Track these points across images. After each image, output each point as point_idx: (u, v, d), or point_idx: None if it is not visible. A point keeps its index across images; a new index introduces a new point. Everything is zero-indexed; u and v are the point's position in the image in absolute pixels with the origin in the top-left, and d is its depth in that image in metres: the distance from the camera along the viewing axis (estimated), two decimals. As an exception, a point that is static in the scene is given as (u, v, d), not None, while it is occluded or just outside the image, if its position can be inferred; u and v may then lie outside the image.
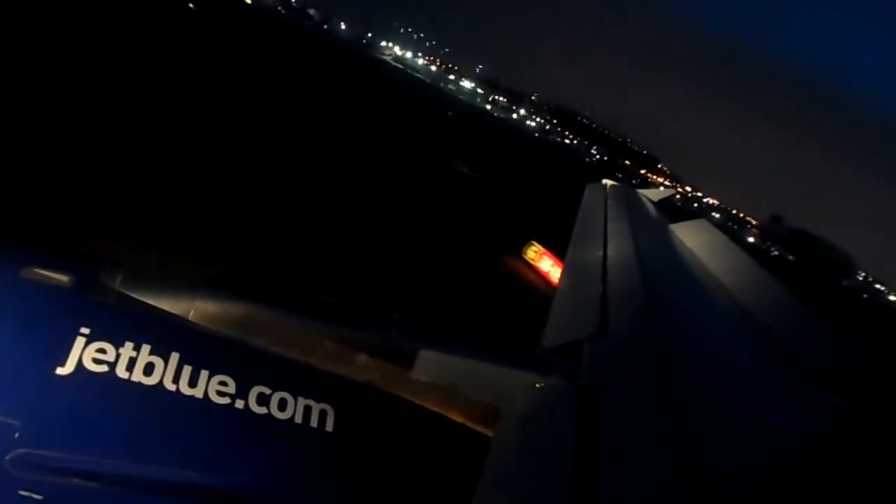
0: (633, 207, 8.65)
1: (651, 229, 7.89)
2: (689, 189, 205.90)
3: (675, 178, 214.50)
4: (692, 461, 2.83)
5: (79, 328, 2.91)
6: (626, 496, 2.31)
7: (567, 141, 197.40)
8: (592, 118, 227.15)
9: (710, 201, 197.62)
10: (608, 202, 8.16)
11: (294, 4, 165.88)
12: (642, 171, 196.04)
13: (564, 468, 2.30)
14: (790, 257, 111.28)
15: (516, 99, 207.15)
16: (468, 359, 3.32)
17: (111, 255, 3.39)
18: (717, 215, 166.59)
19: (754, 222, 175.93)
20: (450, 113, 70.98)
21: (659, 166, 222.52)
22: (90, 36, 27.16)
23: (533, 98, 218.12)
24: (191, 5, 62.78)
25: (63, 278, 3.07)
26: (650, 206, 9.41)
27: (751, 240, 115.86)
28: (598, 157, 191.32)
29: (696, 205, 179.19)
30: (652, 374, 3.40)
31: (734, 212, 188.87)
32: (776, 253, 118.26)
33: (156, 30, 38.29)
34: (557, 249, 19.56)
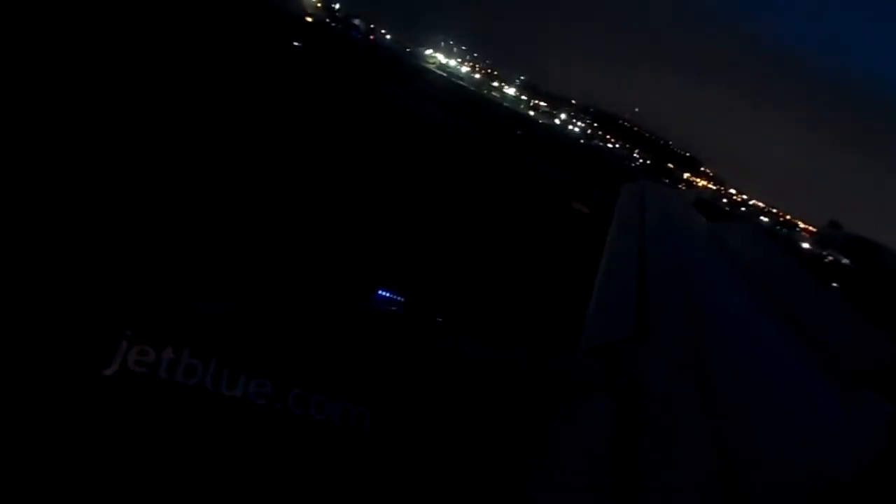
0: (671, 207, 8.43)
1: (689, 229, 7.72)
2: (733, 191, 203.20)
3: (719, 181, 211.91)
4: (732, 467, 2.77)
5: (123, 330, 2.96)
6: (663, 502, 2.23)
7: (609, 145, 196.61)
8: (633, 121, 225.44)
9: (758, 204, 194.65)
10: (644, 202, 7.98)
11: (338, 14, 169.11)
12: (686, 175, 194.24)
13: (603, 473, 2.25)
14: (844, 261, 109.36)
15: (556, 103, 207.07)
16: (506, 363, 3.31)
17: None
18: (766, 219, 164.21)
19: (803, 226, 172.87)
20: (518, 132, 71.51)
21: (702, 169, 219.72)
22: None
23: (573, 102, 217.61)
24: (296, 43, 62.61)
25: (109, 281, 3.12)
26: (689, 206, 9.34)
27: (805, 246, 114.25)
28: (640, 160, 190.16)
29: (742, 208, 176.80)
30: (691, 378, 3.30)
31: (784, 216, 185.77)
32: (831, 258, 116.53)
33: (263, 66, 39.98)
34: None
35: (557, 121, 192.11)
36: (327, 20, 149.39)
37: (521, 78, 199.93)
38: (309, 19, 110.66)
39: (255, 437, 2.92)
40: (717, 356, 3.68)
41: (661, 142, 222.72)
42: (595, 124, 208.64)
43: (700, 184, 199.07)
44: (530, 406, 3.17)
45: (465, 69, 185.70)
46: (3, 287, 3.01)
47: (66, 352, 2.92)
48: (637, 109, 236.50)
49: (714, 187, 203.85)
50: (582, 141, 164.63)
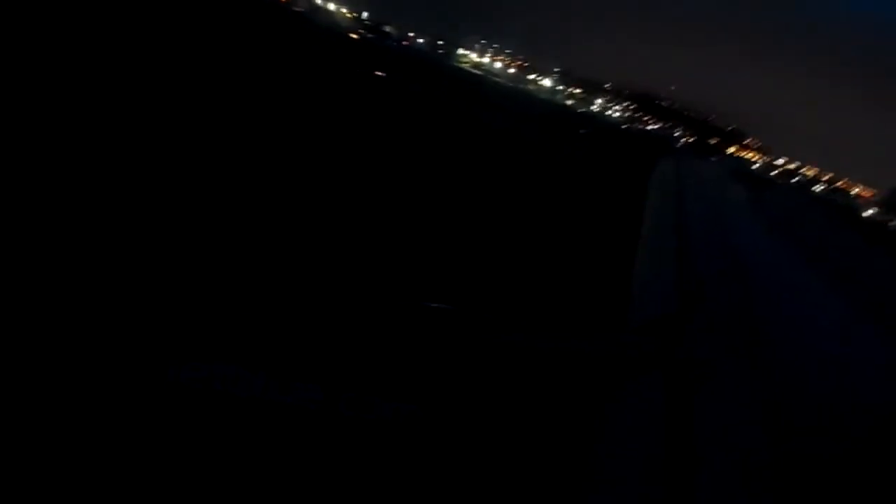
0: (708, 180, 8.82)
1: (728, 200, 7.85)
2: (781, 161, 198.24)
3: (766, 152, 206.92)
4: (788, 433, 2.66)
5: (176, 345, 2.91)
6: (721, 475, 2.21)
7: (651, 127, 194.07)
8: (672, 99, 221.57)
9: (808, 173, 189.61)
10: (681, 177, 8.08)
11: (368, 23, 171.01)
12: (731, 149, 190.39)
13: (661, 446, 2.27)
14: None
15: (590, 89, 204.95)
16: (558, 348, 3.22)
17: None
18: (820, 187, 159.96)
19: (859, 192, 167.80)
20: (582, 130, 71.46)
21: (747, 141, 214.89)
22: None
23: (607, 86, 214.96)
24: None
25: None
26: (726, 178, 9.89)
27: (869, 212, 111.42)
28: (685, 139, 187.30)
29: (794, 178, 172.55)
30: (742, 346, 2.85)
31: (839, 183, 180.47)
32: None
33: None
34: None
35: (594, 107, 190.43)
36: (361, 31, 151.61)
37: (557, 70, 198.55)
38: (354, 36, 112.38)
39: (308, 441, 2.83)
40: (767, 323, 2.75)
41: (703, 118, 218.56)
42: (632, 106, 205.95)
43: (747, 156, 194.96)
44: (587, 390, 2.98)
45: (498, 65, 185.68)
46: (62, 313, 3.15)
47: (125, 368, 2.96)
48: (674, 87, 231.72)
49: (761, 158, 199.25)
50: (624, 126, 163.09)
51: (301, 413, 3.30)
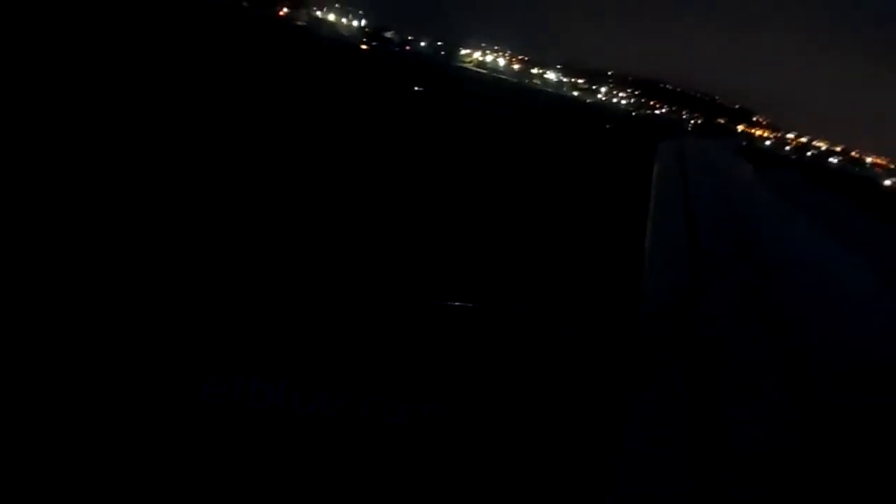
0: (712, 159, 8.21)
1: (734, 179, 7.40)
2: (791, 136, 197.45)
3: (775, 128, 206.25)
4: (813, 409, 2.64)
5: (197, 363, 2.97)
6: (749, 460, 2.11)
7: (658, 112, 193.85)
8: (675, 82, 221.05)
9: (821, 145, 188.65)
10: (684, 158, 7.77)
11: (368, 30, 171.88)
12: (740, 128, 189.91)
13: (684, 431, 2.18)
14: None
15: (593, 78, 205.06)
16: (576, 339, 3.27)
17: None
18: (835, 160, 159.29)
19: (874, 160, 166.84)
20: (608, 126, 71.56)
21: (755, 118, 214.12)
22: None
23: (609, 74, 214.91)
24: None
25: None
26: (732, 156, 8.83)
27: (888, 182, 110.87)
28: (692, 121, 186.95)
29: (809, 153, 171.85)
30: (758, 326, 3.16)
31: (853, 154, 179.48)
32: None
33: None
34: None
35: (600, 95, 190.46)
36: (364, 39, 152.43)
37: (559, 66, 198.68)
38: (364, 47, 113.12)
39: (333, 448, 2.94)
40: (782, 301, 3.46)
41: (708, 98, 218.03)
42: (636, 92, 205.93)
43: (756, 133, 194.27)
44: (605, 379, 3.14)
45: (502, 62, 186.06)
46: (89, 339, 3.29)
47: (149, 391, 3.08)
48: (677, 70, 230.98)
49: (771, 135, 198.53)
50: (634, 113, 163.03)
51: (323, 420, 3.37)
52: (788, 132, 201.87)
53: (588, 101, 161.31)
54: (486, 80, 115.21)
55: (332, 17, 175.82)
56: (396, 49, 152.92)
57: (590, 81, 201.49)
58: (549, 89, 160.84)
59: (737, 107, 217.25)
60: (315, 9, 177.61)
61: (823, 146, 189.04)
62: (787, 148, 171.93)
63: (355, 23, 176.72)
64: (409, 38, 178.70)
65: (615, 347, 3.30)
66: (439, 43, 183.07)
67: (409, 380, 3.46)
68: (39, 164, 12.12)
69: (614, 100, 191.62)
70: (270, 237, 10.95)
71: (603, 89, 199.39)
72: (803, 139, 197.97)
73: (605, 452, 2.33)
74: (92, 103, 19.44)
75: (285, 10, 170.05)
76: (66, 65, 25.50)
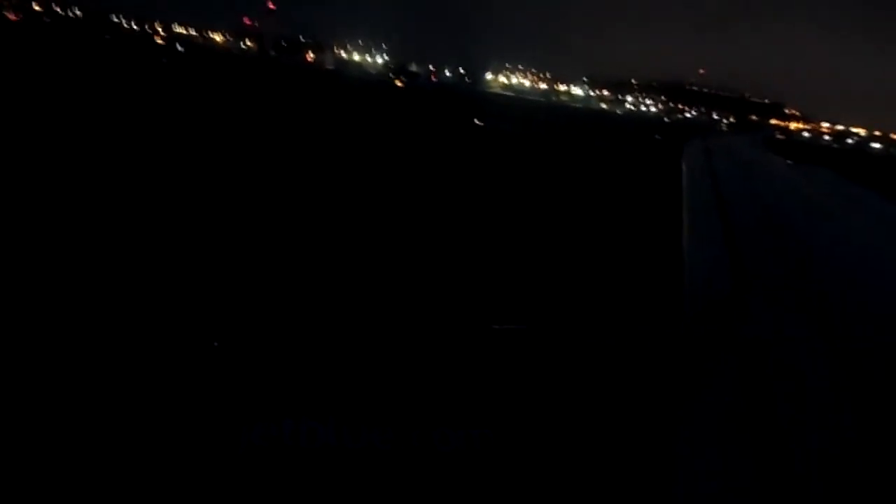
0: (741, 155, 8.20)
1: (767, 173, 7.44)
2: (827, 125, 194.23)
3: (809, 119, 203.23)
4: (866, 404, 2.53)
5: (243, 408, 2.90)
6: (809, 463, 2.12)
7: (688, 115, 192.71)
8: (702, 83, 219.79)
9: (859, 131, 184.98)
10: (712, 156, 7.78)
11: (392, 66, 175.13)
12: (773, 121, 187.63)
13: (745, 434, 2.17)
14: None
15: (618, 88, 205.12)
16: (623, 348, 3.43)
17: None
18: (878, 145, 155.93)
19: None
20: (657, 136, 71.14)
21: (787, 111, 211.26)
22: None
23: (633, 82, 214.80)
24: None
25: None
26: (761, 150, 8.94)
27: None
28: (724, 120, 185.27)
29: (849, 140, 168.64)
30: (805, 321, 3.11)
31: (893, 135, 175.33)
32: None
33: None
34: None
35: (628, 105, 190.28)
36: (391, 75, 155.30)
37: (585, 78, 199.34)
38: (400, 84, 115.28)
39: (388, 482, 2.92)
40: (827, 293, 3.46)
41: (736, 95, 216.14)
42: (663, 98, 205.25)
43: (792, 126, 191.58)
44: (655, 387, 3.14)
45: (527, 83, 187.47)
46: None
47: (196, 439, 3.12)
48: (702, 70, 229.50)
49: (806, 126, 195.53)
50: (666, 119, 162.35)
51: (376, 455, 3.33)
52: (822, 121, 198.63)
53: (619, 112, 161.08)
54: (526, 106, 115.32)
55: (356, 56, 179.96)
56: (423, 81, 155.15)
57: (614, 92, 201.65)
58: (579, 104, 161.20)
59: (766, 101, 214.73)
60: (339, 51, 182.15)
61: (863, 132, 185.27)
62: (827, 138, 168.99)
63: (379, 60, 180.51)
64: (431, 68, 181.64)
65: (663, 353, 3.31)
66: (461, 70, 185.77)
67: (457, 406, 3.51)
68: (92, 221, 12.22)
69: (642, 108, 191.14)
70: (322, 277, 10.77)
71: (629, 98, 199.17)
72: (839, 127, 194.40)
73: (659, 462, 2.36)
74: (151, 153, 20.00)
75: (311, 55, 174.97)
76: (118, 116, 26.32)
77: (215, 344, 6.29)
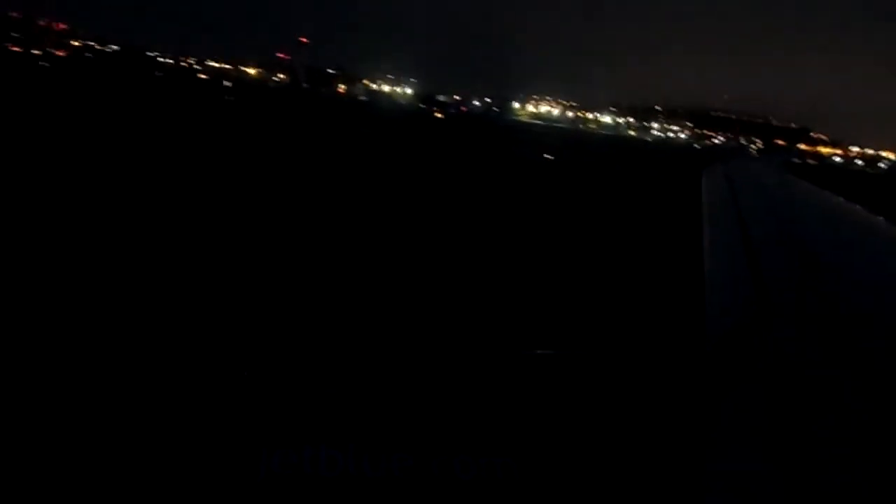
0: (762, 180, 8.19)
1: (789, 198, 7.38)
2: (856, 149, 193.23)
3: (837, 143, 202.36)
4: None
5: (262, 434, 2.84)
6: (841, 486, 2.02)
7: (716, 141, 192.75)
8: (727, 109, 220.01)
9: (889, 155, 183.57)
10: (733, 181, 7.73)
11: (421, 96, 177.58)
12: (801, 146, 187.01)
13: (772, 464, 2.10)
14: None
15: (643, 114, 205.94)
16: (648, 373, 3.31)
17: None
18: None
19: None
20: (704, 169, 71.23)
21: (813, 135, 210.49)
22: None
23: (658, 108, 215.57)
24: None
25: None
26: (782, 174, 8.85)
27: None
28: (752, 145, 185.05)
29: (881, 164, 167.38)
30: (834, 349, 3.04)
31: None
32: None
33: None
34: None
35: (655, 132, 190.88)
36: (420, 105, 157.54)
37: (613, 108, 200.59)
38: (439, 115, 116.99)
39: None
40: (855, 322, 3.37)
41: (762, 120, 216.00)
42: (688, 124, 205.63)
43: (821, 151, 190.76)
44: (681, 410, 3.00)
45: (555, 112, 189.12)
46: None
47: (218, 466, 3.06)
48: (727, 96, 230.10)
49: (836, 151, 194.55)
50: (697, 146, 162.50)
51: (395, 483, 3.27)
52: (851, 146, 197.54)
53: (649, 139, 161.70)
54: (577, 138, 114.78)
55: (386, 87, 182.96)
56: (453, 111, 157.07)
57: (639, 118, 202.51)
58: (607, 132, 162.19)
59: (793, 125, 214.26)
60: (367, 82, 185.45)
61: (893, 156, 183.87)
62: (860, 162, 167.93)
63: (408, 90, 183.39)
64: (457, 98, 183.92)
65: (689, 377, 3.22)
66: (488, 100, 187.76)
67: (479, 434, 3.42)
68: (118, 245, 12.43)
69: (669, 134, 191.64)
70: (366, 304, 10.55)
71: (654, 125, 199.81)
72: (869, 151, 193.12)
73: (688, 487, 2.32)
74: (189, 183, 20.57)
75: (342, 86, 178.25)
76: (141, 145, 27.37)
77: (245, 373, 6.27)
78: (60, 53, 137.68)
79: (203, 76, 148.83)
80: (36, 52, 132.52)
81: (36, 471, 4.33)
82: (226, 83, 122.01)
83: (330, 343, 7.71)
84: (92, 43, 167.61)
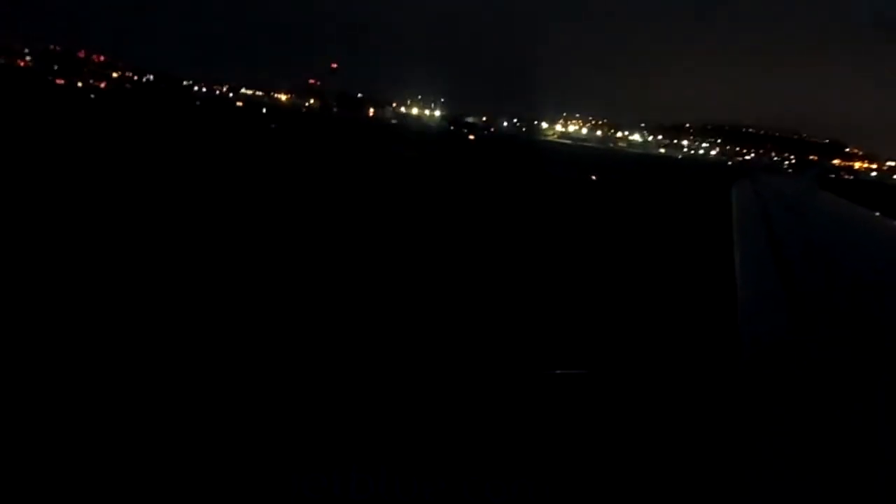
0: (793, 195, 8.10)
1: (820, 213, 7.30)
2: (893, 164, 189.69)
3: (871, 158, 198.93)
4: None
5: (293, 458, 2.83)
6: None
7: (748, 157, 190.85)
8: (757, 125, 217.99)
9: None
10: (763, 196, 7.66)
11: (449, 118, 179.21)
12: (836, 161, 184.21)
13: (807, 479, 2.05)
14: None
15: (672, 132, 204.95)
16: (683, 393, 3.31)
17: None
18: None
19: None
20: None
21: (847, 150, 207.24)
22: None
23: (687, 126, 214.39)
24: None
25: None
26: (814, 190, 8.76)
27: None
28: (785, 162, 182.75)
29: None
30: (867, 362, 2.99)
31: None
32: None
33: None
34: None
35: (685, 149, 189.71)
36: (451, 127, 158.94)
37: (643, 124, 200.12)
38: (472, 137, 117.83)
39: None
40: (890, 338, 3.29)
41: (795, 136, 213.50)
42: (718, 140, 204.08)
43: (856, 166, 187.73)
44: (717, 428, 2.97)
45: (584, 131, 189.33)
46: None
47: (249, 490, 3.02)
48: (757, 113, 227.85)
49: (871, 165, 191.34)
50: (730, 163, 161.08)
51: None
52: (888, 160, 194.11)
53: (679, 156, 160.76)
54: (608, 156, 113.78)
55: (415, 110, 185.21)
56: (483, 133, 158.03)
57: (667, 136, 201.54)
58: (637, 150, 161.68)
59: (826, 141, 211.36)
60: (397, 105, 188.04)
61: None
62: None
63: (437, 112, 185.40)
64: (483, 119, 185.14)
65: (721, 398, 3.16)
66: (515, 121, 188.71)
67: (511, 456, 3.32)
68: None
69: (700, 151, 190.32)
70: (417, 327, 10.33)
71: (685, 142, 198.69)
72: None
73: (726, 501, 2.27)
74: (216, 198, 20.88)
75: (372, 110, 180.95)
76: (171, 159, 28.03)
77: (277, 397, 6.23)
78: (102, 85, 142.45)
79: (239, 103, 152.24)
80: (79, 83, 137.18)
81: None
82: (263, 110, 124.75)
83: (363, 366, 7.72)
84: (129, 73, 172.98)
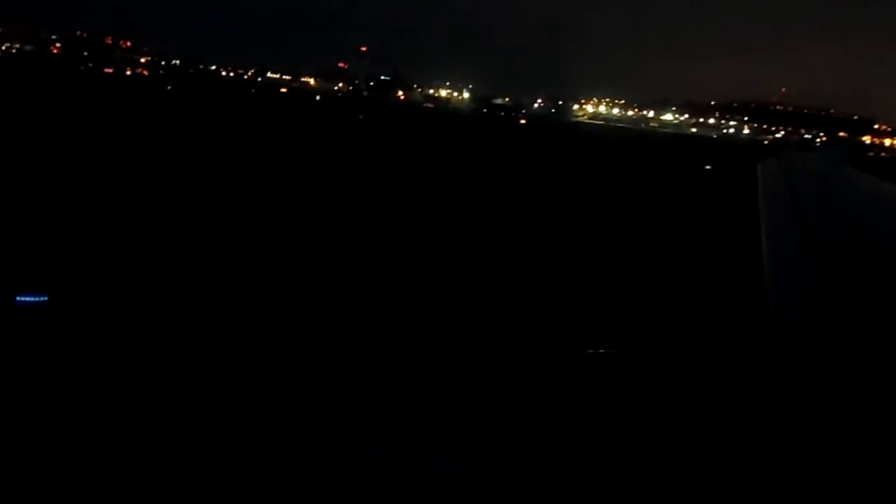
0: (821, 172, 7.86)
1: (850, 190, 7.09)
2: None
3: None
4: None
5: (315, 437, 2.88)
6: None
7: (778, 135, 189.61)
8: (786, 102, 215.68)
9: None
10: (790, 174, 7.46)
11: (479, 100, 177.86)
12: (866, 139, 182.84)
13: (835, 454, 2.00)
14: None
15: (698, 110, 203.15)
16: (711, 369, 3.21)
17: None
18: None
19: None
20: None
21: (876, 126, 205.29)
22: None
23: (713, 104, 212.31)
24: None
25: None
26: (842, 167, 8.55)
27: None
28: (816, 139, 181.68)
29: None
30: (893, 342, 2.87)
31: None
32: None
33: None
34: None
35: (714, 127, 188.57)
36: (484, 110, 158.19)
37: (674, 108, 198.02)
38: (523, 121, 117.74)
39: None
40: None
41: (823, 113, 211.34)
42: (745, 119, 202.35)
43: (887, 143, 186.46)
44: (746, 404, 2.90)
45: (616, 111, 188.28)
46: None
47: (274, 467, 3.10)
48: (784, 89, 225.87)
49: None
50: (766, 142, 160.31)
51: (448, 485, 3.21)
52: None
53: (714, 136, 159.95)
54: (649, 137, 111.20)
55: (443, 92, 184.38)
56: (514, 115, 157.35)
57: (696, 115, 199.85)
58: (670, 129, 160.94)
59: (855, 117, 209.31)
60: (426, 88, 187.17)
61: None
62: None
63: (466, 95, 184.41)
64: (507, 100, 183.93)
65: (753, 372, 3.12)
66: (540, 102, 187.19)
67: (532, 434, 3.24)
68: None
69: (730, 130, 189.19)
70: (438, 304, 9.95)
71: (711, 121, 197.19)
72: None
73: (750, 486, 2.18)
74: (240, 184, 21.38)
75: (401, 93, 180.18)
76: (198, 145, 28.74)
77: (301, 380, 6.16)
78: (145, 73, 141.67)
79: (283, 90, 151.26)
80: (107, 70, 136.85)
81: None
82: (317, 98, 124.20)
83: (385, 347, 7.74)
84: (156, 58, 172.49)
